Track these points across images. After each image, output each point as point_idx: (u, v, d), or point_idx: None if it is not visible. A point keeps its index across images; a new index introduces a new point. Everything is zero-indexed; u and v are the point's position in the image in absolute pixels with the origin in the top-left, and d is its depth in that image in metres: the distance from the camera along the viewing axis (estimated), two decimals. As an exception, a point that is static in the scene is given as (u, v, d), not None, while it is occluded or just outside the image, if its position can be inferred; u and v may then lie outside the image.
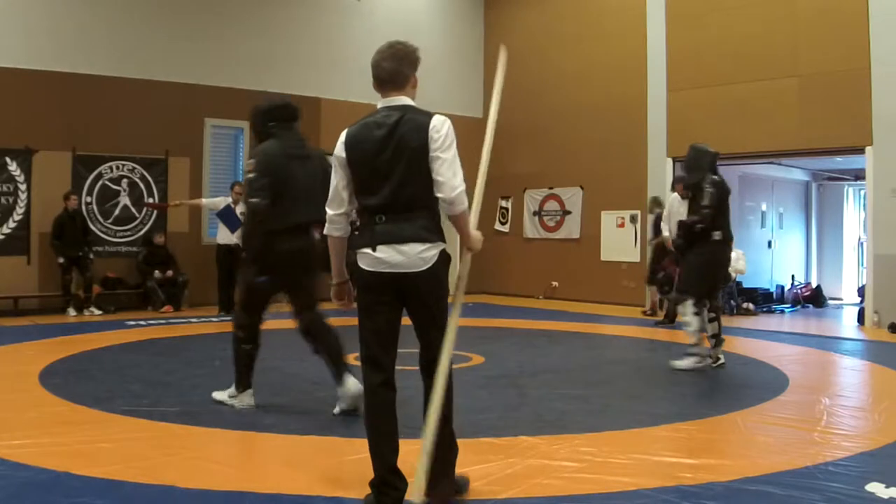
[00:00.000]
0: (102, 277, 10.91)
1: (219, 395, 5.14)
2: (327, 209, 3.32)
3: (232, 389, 5.04)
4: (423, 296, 3.20)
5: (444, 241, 3.24)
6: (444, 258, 3.23)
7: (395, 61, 3.30)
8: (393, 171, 3.15)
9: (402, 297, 3.20)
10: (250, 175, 4.81)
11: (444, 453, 3.13)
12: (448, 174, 3.17)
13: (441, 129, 3.19)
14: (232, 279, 10.73)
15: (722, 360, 6.67)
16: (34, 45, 10.49)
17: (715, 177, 6.56)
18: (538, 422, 4.74)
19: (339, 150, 3.26)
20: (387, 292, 3.19)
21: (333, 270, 3.46)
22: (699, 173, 6.61)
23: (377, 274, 3.16)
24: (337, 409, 4.82)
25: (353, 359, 6.90)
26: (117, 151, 11.19)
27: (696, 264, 6.59)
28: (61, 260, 10.26)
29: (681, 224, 6.71)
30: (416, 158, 3.15)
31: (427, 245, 3.17)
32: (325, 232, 3.35)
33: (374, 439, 3.16)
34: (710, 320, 6.66)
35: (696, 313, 6.54)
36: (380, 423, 3.18)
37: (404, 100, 3.29)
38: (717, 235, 6.50)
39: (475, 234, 3.34)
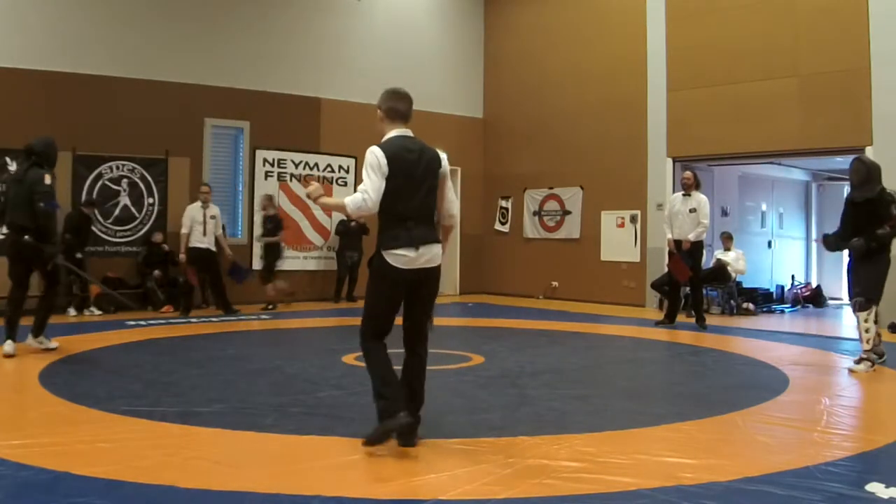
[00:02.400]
0: (102, 277, 10.90)
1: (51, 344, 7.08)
2: (374, 199, 3.96)
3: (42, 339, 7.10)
4: (435, 283, 4.20)
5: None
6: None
7: (410, 104, 4.23)
8: (422, 186, 4.06)
9: (414, 286, 4.08)
10: None
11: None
12: (454, 197, 4.37)
13: (445, 161, 4.23)
14: (219, 280, 10.76)
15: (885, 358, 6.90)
16: (34, 45, 10.49)
17: (889, 189, 6.72)
18: (538, 422, 4.74)
19: (383, 162, 3.97)
20: (406, 284, 4.05)
21: None
22: (875, 185, 6.66)
23: (412, 270, 4.01)
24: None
25: (352, 359, 6.93)
26: (117, 151, 11.20)
27: (881, 272, 6.71)
28: (80, 255, 10.25)
29: (876, 236, 6.60)
30: (434, 180, 4.15)
31: (439, 245, 4.15)
32: (358, 217, 4.49)
33: (387, 380, 4.03)
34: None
35: (876, 321, 6.73)
36: (389, 368, 4.09)
37: (411, 132, 4.20)
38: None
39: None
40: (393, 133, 4.13)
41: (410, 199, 4.02)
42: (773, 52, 11.05)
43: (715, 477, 3.59)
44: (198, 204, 10.60)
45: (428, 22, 14.48)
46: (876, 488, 3.43)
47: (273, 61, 12.47)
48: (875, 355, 6.77)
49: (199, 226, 10.46)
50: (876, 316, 6.76)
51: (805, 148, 10.99)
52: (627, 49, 12.71)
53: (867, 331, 6.63)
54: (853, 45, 10.20)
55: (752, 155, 11.84)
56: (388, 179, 3.96)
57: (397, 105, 4.16)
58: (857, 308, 6.64)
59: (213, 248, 10.61)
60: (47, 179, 6.96)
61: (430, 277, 4.10)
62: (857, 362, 6.70)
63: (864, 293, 6.63)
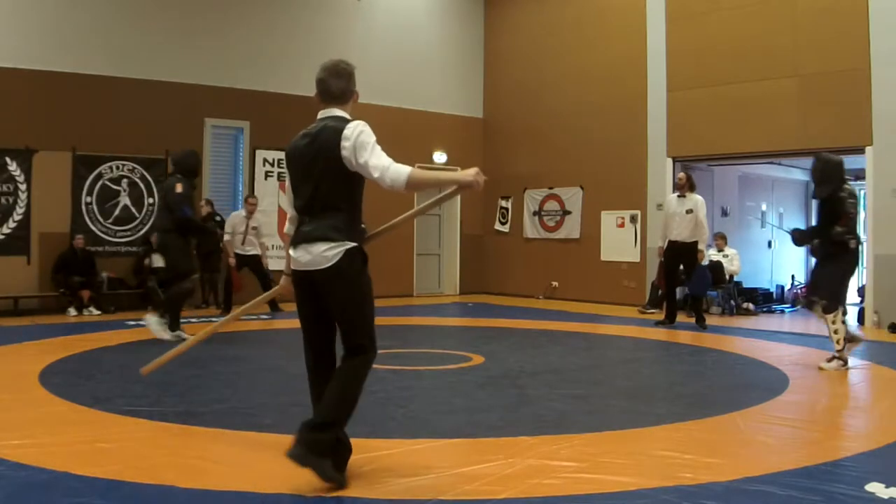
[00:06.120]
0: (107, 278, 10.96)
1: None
2: (285, 200, 3.88)
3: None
4: (331, 290, 3.44)
5: (352, 240, 3.44)
6: (351, 257, 3.41)
7: (338, 78, 3.58)
8: (311, 174, 3.46)
9: (315, 292, 3.49)
10: None
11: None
12: (374, 162, 3.34)
13: (350, 135, 3.39)
14: (229, 281, 10.86)
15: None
16: (34, 45, 10.49)
17: (848, 186, 6.70)
18: (538, 422, 4.74)
19: (286, 158, 3.65)
20: (305, 288, 3.51)
21: (286, 265, 3.83)
22: (832, 184, 6.65)
23: (299, 273, 3.50)
24: None
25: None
26: (117, 151, 11.20)
27: (840, 273, 6.72)
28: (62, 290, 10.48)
29: (826, 235, 6.66)
30: (330, 163, 3.41)
31: (330, 244, 3.40)
32: (283, 230, 3.79)
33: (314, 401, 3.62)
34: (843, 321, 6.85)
35: (843, 321, 6.75)
36: (315, 391, 3.63)
37: (338, 112, 3.57)
38: (853, 243, 6.63)
39: (453, 175, 3.45)
40: (318, 115, 3.62)
41: (301, 191, 3.51)
42: (773, 52, 11.04)
43: (715, 477, 3.59)
44: (241, 213, 10.87)
45: (428, 22, 14.47)
46: (876, 488, 3.43)
47: (273, 61, 12.47)
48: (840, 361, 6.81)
49: (239, 235, 10.70)
50: (844, 315, 6.83)
51: (805, 148, 10.97)
52: (627, 49, 12.71)
53: (836, 332, 6.69)
54: (853, 45, 10.20)
55: (752, 155, 11.84)
56: (288, 174, 3.63)
57: (326, 82, 3.57)
58: (823, 311, 6.69)
59: (257, 253, 10.83)
60: (178, 188, 7.74)
61: (318, 283, 3.43)
62: (829, 360, 6.77)
63: (829, 296, 6.68)
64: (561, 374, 6.49)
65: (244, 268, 10.73)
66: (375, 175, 3.33)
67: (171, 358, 4.29)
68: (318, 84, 3.58)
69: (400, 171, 3.31)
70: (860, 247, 6.78)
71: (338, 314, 3.49)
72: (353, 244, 3.43)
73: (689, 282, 9.90)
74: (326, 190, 3.43)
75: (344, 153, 3.37)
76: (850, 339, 6.86)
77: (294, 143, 3.59)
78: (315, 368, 3.63)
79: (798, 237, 7.10)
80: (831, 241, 6.60)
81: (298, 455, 3.35)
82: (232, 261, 10.59)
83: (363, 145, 3.36)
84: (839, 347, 6.70)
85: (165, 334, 7.74)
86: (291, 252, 3.50)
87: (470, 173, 3.36)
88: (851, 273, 6.85)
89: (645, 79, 12.47)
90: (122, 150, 11.22)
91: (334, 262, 3.38)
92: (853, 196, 6.63)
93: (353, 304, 3.47)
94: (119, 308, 10.80)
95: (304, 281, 3.49)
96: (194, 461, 3.82)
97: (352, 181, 3.46)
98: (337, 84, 3.56)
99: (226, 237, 10.73)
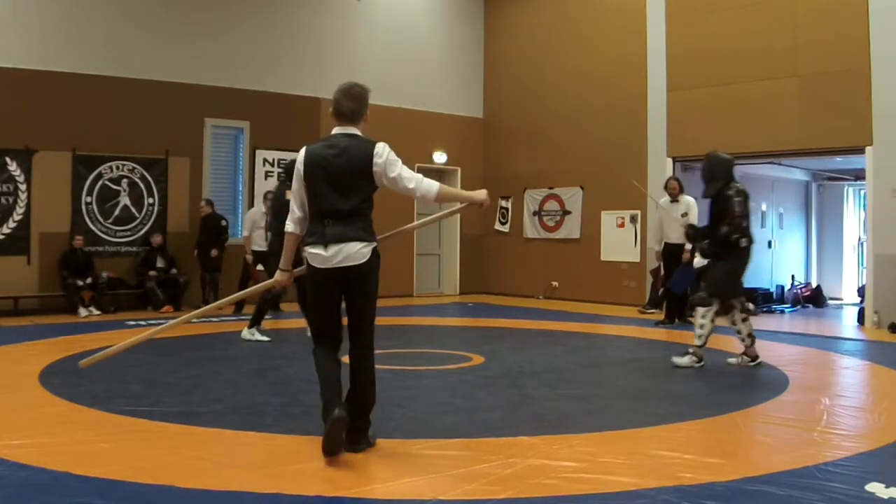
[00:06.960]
0: (107, 278, 10.97)
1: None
2: (294, 203, 4.05)
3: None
4: (359, 284, 3.93)
5: (375, 241, 3.96)
6: (376, 255, 3.95)
7: (357, 102, 3.99)
8: (338, 184, 3.89)
9: (341, 286, 3.93)
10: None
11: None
12: (407, 175, 3.93)
13: (382, 153, 3.91)
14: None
15: (760, 359, 6.84)
16: (33, 45, 10.49)
17: (737, 184, 6.61)
18: (538, 422, 4.74)
19: (300, 166, 3.98)
20: (331, 282, 3.91)
21: (283, 261, 4.18)
22: (719, 182, 6.61)
23: (327, 269, 3.87)
24: None
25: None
26: (117, 151, 11.20)
27: (728, 271, 6.64)
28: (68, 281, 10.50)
29: (714, 235, 6.61)
30: (358, 178, 3.90)
31: (364, 244, 3.89)
32: (285, 230, 4.09)
33: (322, 383, 3.94)
34: (744, 320, 6.78)
35: (713, 319, 6.65)
36: (325, 371, 3.97)
37: (354, 130, 4.01)
38: (744, 242, 6.55)
39: (469, 193, 4.18)
40: (332, 131, 4.03)
41: (326, 197, 3.88)
42: (773, 52, 11.04)
43: (715, 477, 3.60)
44: (259, 209, 10.70)
45: (428, 22, 14.47)
46: (876, 488, 3.43)
47: (273, 61, 12.48)
48: (748, 357, 6.83)
49: (259, 230, 10.56)
50: (745, 315, 6.74)
51: (805, 148, 10.98)
52: (627, 49, 12.71)
53: (701, 326, 6.63)
54: (853, 45, 10.20)
55: (752, 155, 11.82)
56: (306, 180, 3.93)
57: (338, 102, 3.99)
58: (699, 303, 6.65)
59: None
60: (288, 195, 7.84)
61: (349, 277, 3.89)
62: (682, 354, 6.77)
63: (707, 288, 6.67)
64: (561, 374, 6.49)
65: (259, 263, 10.67)
66: (410, 186, 3.90)
67: (114, 353, 4.48)
68: (333, 103, 3.99)
69: (431, 185, 3.96)
70: (751, 246, 6.64)
71: (360, 305, 3.96)
72: (376, 244, 3.94)
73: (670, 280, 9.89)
74: (356, 198, 3.89)
75: (376, 168, 3.88)
76: (752, 356, 6.82)
77: (319, 153, 3.93)
78: (330, 359, 3.94)
79: (692, 235, 7.08)
80: (719, 241, 6.56)
81: (361, 448, 3.96)
82: (249, 257, 10.60)
83: (393, 163, 3.91)
84: (699, 343, 6.65)
85: (255, 335, 8.17)
86: (318, 251, 3.86)
87: (482, 193, 4.10)
88: (742, 271, 6.74)
89: (645, 79, 12.47)
90: (122, 150, 11.23)
91: (367, 258, 3.88)
92: (741, 194, 6.54)
93: (373, 297, 4.00)
94: (119, 308, 10.80)
95: (334, 276, 3.88)
96: (194, 461, 3.82)
97: (371, 191, 3.96)
98: (347, 105, 3.96)
99: (244, 234, 10.67)
